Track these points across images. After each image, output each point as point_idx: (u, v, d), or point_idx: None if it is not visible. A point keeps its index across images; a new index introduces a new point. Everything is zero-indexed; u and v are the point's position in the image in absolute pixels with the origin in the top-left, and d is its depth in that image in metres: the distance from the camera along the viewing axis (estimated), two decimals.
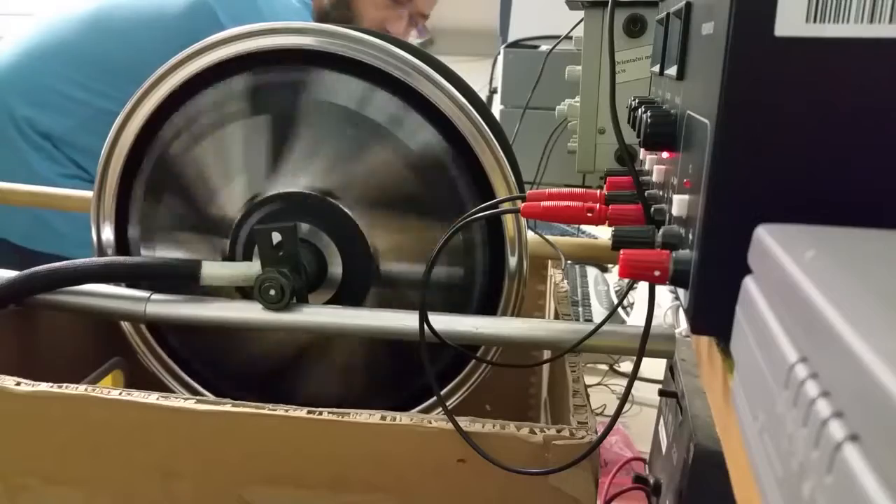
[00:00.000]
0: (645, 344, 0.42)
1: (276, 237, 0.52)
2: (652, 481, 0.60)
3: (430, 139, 0.55)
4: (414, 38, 1.33)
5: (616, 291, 1.22)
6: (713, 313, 0.27)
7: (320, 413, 0.45)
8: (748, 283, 0.22)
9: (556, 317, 0.64)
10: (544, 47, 1.66)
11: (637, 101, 0.41)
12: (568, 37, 0.79)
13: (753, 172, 0.26)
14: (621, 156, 0.65)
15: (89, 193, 0.61)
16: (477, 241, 0.57)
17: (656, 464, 0.63)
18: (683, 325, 0.99)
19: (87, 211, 0.60)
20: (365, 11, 1.21)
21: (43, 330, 0.69)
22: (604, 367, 1.03)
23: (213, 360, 0.63)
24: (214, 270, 0.53)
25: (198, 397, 0.46)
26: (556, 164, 1.00)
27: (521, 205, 0.43)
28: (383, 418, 0.44)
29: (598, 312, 1.13)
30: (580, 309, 1.13)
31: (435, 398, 0.57)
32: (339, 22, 1.10)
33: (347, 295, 0.56)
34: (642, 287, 0.99)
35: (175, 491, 0.47)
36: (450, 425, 0.43)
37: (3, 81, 1.05)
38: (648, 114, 0.35)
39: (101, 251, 0.60)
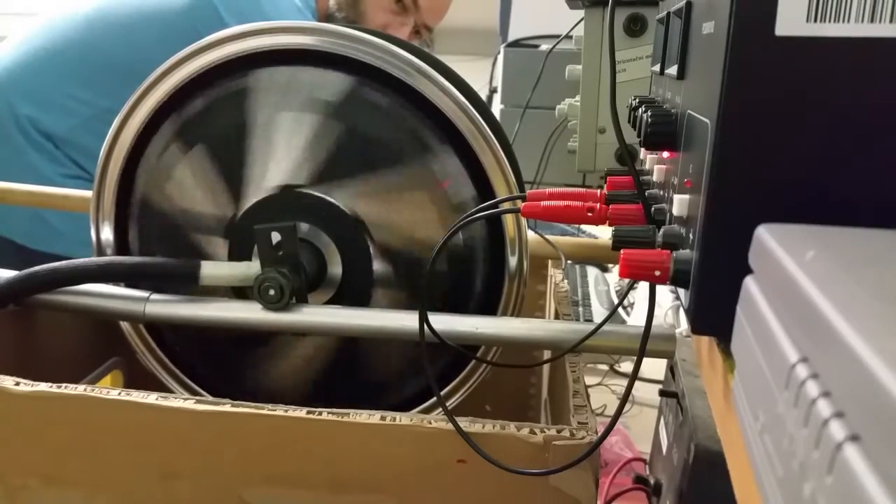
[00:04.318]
0: (645, 344, 0.42)
1: (276, 237, 0.52)
2: (652, 482, 0.60)
3: (430, 139, 0.55)
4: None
5: (616, 291, 1.22)
6: (714, 313, 0.27)
7: (320, 413, 0.45)
8: (749, 283, 0.22)
9: (557, 317, 0.64)
10: (544, 46, 1.66)
11: (637, 100, 0.41)
12: (568, 36, 0.79)
13: (754, 172, 0.26)
14: (622, 155, 0.65)
15: (88, 193, 0.61)
16: (477, 240, 0.57)
17: (657, 464, 0.63)
18: (684, 325, 0.99)
19: (87, 210, 0.60)
20: (371, 13, 1.22)
21: (42, 330, 0.69)
22: (604, 367, 1.03)
23: (212, 359, 0.63)
24: (214, 270, 0.53)
25: (197, 397, 0.46)
26: (556, 164, 1.00)
27: (521, 205, 0.42)
28: (383, 418, 0.44)
29: (599, 312, 1.12)
30: (580, 309, 1.13)
31: (435, 398, 0.57)
32: (343, 22, 1.11)
33: (347, 295, 0.56)
34: (643, 287, 0.99)
35: (174, 491, 0.47)
36: (450, 426, 0.43)
37: (6, 81, 1.05)
38: (649, 113, 0.35)
39: (101, 251, 0.60)
